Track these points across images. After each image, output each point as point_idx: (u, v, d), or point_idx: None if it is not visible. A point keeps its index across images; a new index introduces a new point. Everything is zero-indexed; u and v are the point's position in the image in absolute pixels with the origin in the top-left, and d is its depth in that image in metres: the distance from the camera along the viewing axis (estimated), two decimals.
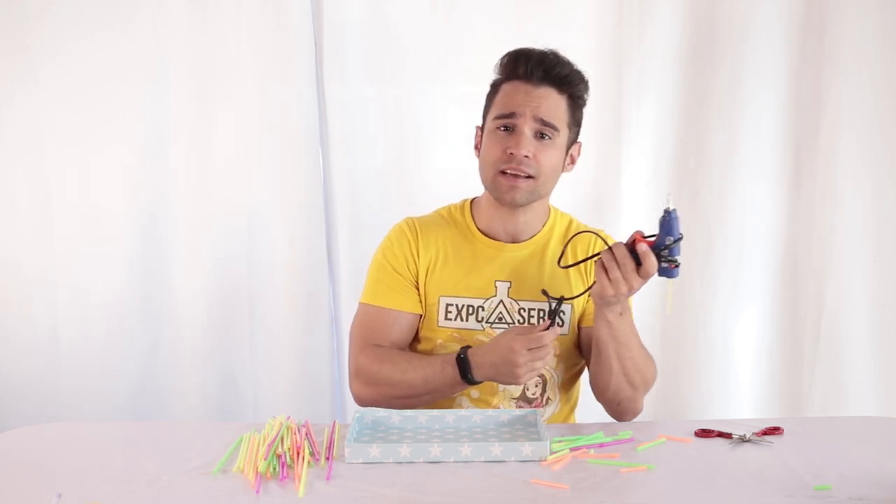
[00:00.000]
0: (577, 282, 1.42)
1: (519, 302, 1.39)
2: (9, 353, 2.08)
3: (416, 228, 1.44)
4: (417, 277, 1.42)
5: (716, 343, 2.09)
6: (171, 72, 2.02)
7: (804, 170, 2.02)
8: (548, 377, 1.41)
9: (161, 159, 2.05)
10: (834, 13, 1.95)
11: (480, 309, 1.39)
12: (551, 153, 1.34)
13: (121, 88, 2.01)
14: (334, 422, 1.25)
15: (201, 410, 2.09)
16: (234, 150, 2.06)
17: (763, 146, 2.02)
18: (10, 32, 1.98)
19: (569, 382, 1.45)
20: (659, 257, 1.17)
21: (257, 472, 1.07)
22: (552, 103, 1.33)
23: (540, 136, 1.33)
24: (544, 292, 1.30)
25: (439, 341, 1.40)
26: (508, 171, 1.33)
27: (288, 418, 1.24)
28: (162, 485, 1.05)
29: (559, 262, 1.35)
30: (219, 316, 2.10)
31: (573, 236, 1.42)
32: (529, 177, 1.33)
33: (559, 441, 1.18)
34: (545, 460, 1.11)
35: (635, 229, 1.21)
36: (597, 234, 1.41)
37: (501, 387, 1.38)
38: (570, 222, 1.48)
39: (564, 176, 2.06)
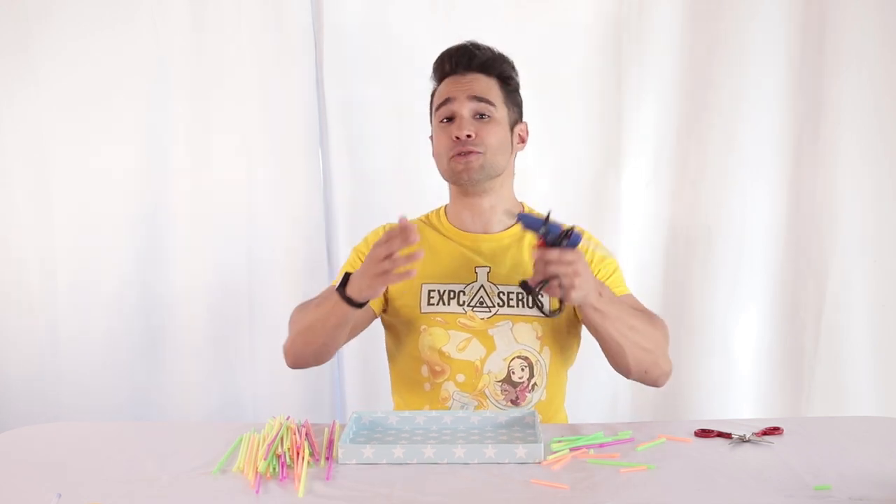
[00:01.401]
0: None
1: (498, 286, 1.43)
2: (9, 353, 2.09)
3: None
4: None
5: (716, 343, 2.09)
6: (171, 72, 2.02)
7: (804, 170, 2.02)
8: (533, 361, 1.41)
9: (161, 159, 2.05)
10: (834, 13, 1.94)
11: (462, 294, 1.42)
12: (493, 129, 1.40)
13: (121, 88, 2.01)
14: (334, 422, 1.25)
15: (201, 410, 2.10)
16: (234, 150, 2.06)
17: (763, 146, 2.02)
18: (10, 32, 1.98)
19: (558, 369, 1.45)
20: (554, 244, 1.21)
21: (257, 472, 1.07)
22: (483, 84, 1.42)
23: (479, 115, 1.40)
24: (522, 283, 1.27)
25: (423, 327, 1.41)
26: (458, 154, 1.39)
27: (288, 418, 1.24)
28: (162, 485, 1.05)
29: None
30: (219, 316, 2.10)
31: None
32: (477, 153, 1.38)
33: (559, 441, 1.18)
34: (543, 461, 1.10)
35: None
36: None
37: (486, 370, 1.39)
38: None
39: (565, 176, 2.10)
